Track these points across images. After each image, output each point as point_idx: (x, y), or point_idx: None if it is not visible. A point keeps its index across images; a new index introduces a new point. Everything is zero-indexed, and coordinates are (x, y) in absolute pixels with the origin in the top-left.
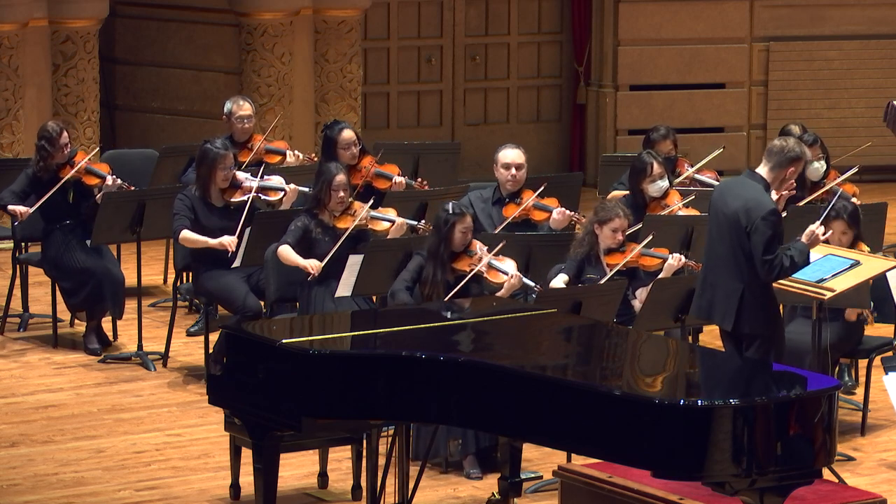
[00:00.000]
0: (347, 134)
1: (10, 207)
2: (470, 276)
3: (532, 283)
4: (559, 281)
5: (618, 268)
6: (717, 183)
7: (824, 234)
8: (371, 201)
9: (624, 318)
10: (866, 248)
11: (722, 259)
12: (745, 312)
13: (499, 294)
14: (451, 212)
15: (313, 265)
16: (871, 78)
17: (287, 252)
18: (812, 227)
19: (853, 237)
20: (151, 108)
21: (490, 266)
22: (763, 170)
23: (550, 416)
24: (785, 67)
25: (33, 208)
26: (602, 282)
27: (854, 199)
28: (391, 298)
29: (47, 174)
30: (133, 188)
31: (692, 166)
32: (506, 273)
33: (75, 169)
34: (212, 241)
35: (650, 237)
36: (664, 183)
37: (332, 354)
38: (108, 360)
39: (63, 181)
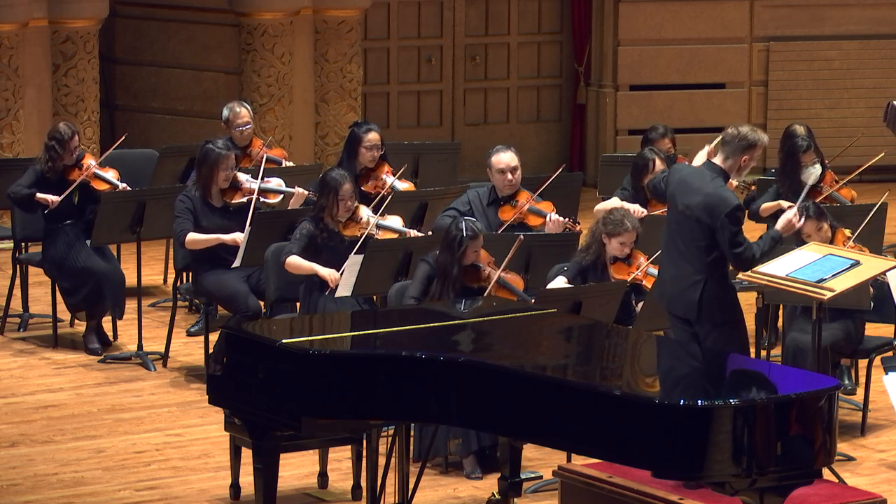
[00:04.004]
0: (374, 136)
1: (40, 196)
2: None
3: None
4: (558, 283)
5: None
6: None
7: (799, 220)
8: (378, 213)
9: (628, 322)
10: (848, 232)
11: (682, 251)
12: (706, 303)
13: None
14: (465, 233)
15: (333, 277)
16: (871, 78)
17: (298, 261)
18: (787, 215)
19: (830, 227)
20: (151, 108)
21: (500, 285)
22: (719, 160)
23: (550, 416)
24: (785, 67)
25: (61, 198)
26: None
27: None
28: None
29: (55, 175)
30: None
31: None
32: (518, 295)
33: (85, 173)
34: (224, 237)
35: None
36: None
37: (332, 354)
38: (108, 360)
39: (76, 184)
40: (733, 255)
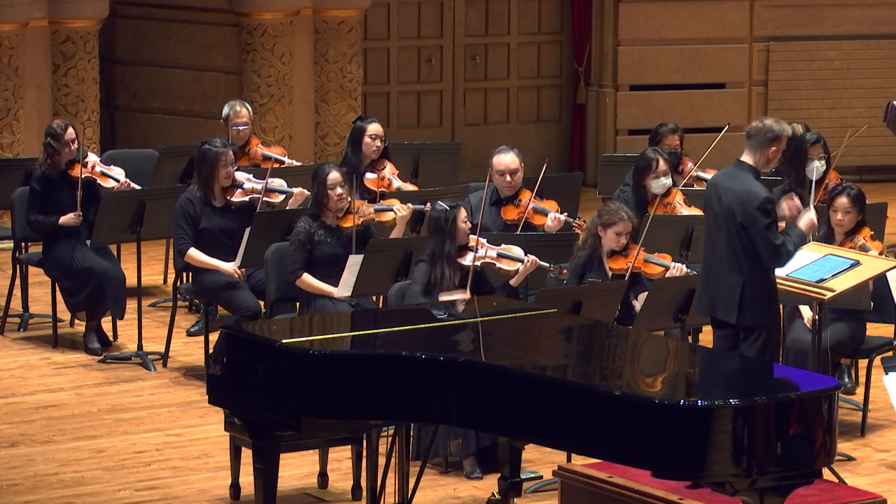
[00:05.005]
0: (376, 127)
1: (62, 219)
2: (495, 267)
3: (547, 264)
4: None
5: (626, 275)
6: None
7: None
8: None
9: (626, 319)
10: (870, 233)
11: (721, 254)
12: (746, 305)
13: (513, 281)
14: (447, 207)
15: (342, 295)
16: (871, 78)
17: (311, 281)
18: (807, 215)
19: (856, 220)
20: (151, 108)
21: (500, 255)
22: (747, 156)
23: (550, 416)
24: (785, 67)
25: (78, 207)
26: None
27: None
28: None
29: (56, 172)
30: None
31: (695, 165)
32: (519, 260)
33: (90, 171)
34: (223, 266)
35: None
36: (667, 180)
37: (332, 354)
38: (108, 360)
39: (80, 185)
40: (768, 248)
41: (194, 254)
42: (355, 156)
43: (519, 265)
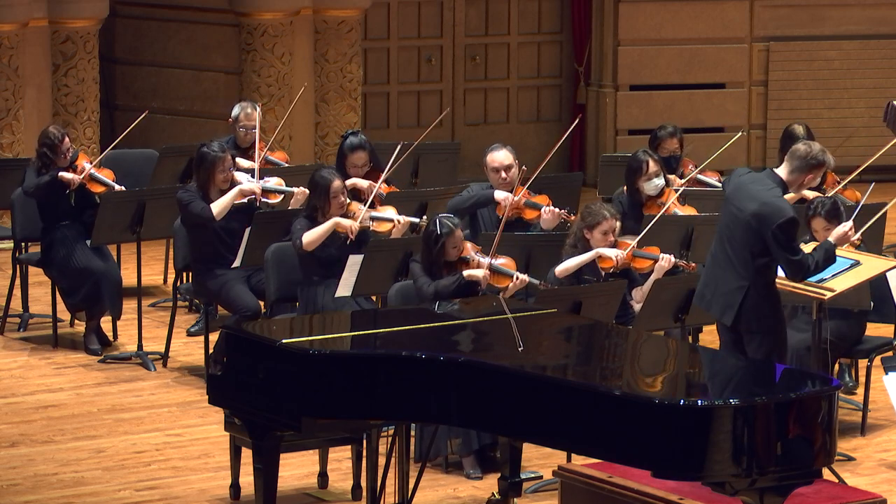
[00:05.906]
0: (356, 158)
1: (63, 174)
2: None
3: (537, 281)
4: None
5: (612, 269)
6: (719, 184)
7: (854, 233)
8: (369, 202)
9: (623, 318)
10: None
11: (730, 255)
12: (748, 309)
13: (502, 294)
14: (440, 231)
15: (354, 227)
16: (871, 78)
17: (314, 232)
18: (842, 228)
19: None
20: (151, 108)
21: (493, 271)
22: (783, 171)
23: (550, 416)
24: (785, 67)
25: (81, 177)
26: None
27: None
28: (434, 299)
29: (50, 178)
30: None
31: (696, 167)
32: (510, 276)
33: (81, 177)
34: (244, 187)
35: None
36: (660, 181)
37: (332, 354)
38: (108, 360)
39: (78, 181)
40: (788, 264)
41: (215, 205)
42: (341, 171)
43: (509, 283)
